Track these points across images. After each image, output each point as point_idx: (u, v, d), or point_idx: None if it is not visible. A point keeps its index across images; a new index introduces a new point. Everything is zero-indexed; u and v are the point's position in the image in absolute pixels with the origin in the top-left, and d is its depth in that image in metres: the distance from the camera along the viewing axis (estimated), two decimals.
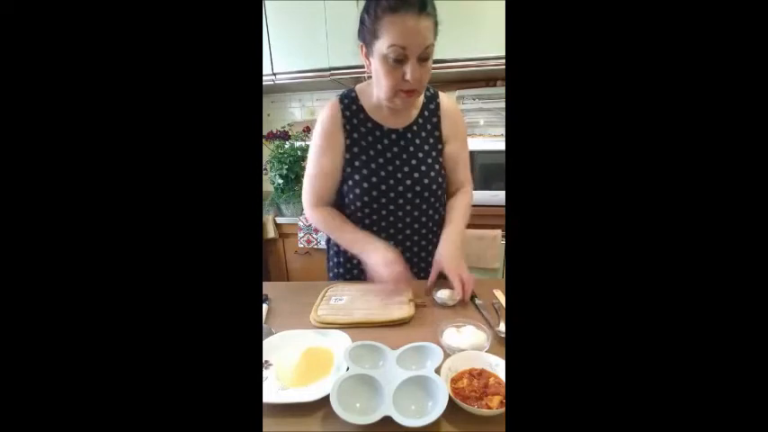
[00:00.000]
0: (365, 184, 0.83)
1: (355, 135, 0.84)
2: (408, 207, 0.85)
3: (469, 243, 1.58)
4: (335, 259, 0.96)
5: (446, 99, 0.89)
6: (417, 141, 0.85)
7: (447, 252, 0.80)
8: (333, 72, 1.69)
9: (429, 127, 0.86)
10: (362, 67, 0.79)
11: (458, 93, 1.86)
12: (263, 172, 1.91)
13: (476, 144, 1.60)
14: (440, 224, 0.90)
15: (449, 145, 0.88)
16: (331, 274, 0.99)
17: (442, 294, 0.69)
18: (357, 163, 0.83)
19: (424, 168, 0.84)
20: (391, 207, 0.85)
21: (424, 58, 0.70)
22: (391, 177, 0.83)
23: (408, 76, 0.70)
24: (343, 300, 0.79)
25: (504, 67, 1.52)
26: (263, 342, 0.63)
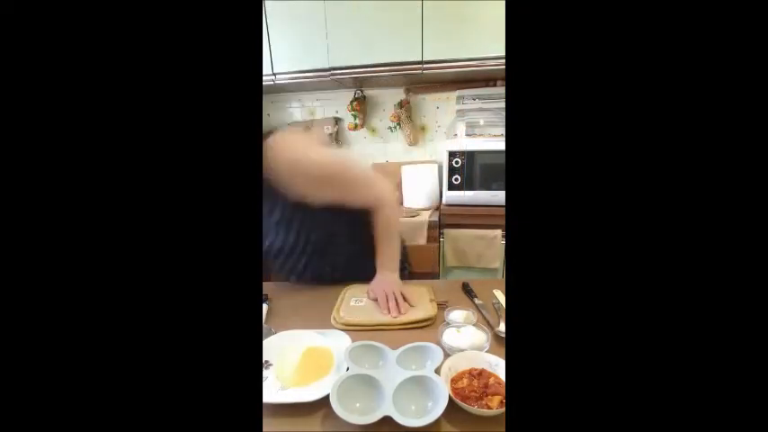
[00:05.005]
0: None
1: None
2: None
3: (469, 243, 1.59)
4: None
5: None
6: None
7: (375, 280, 0.83)
8: (333, 72, 1.69)
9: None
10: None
11: (458, 93, 1.86)
12: None
13: (476, 144, 1.60)
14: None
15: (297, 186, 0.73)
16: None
17: (454, 316, 0.70)
18: None
19: None
20: None
21: None
22: None
23: None
24: (363, 302, 0.79)
25: (504, 67, 1.52)
26: (263, 342, 0.63)
